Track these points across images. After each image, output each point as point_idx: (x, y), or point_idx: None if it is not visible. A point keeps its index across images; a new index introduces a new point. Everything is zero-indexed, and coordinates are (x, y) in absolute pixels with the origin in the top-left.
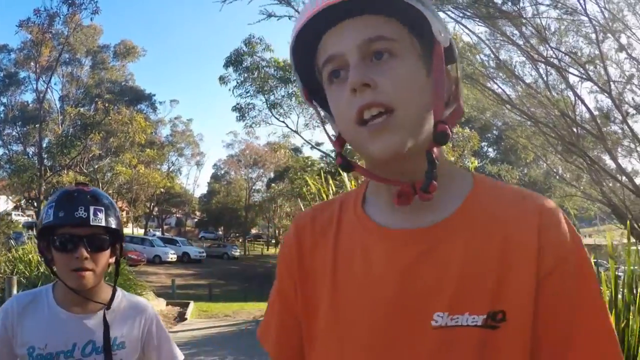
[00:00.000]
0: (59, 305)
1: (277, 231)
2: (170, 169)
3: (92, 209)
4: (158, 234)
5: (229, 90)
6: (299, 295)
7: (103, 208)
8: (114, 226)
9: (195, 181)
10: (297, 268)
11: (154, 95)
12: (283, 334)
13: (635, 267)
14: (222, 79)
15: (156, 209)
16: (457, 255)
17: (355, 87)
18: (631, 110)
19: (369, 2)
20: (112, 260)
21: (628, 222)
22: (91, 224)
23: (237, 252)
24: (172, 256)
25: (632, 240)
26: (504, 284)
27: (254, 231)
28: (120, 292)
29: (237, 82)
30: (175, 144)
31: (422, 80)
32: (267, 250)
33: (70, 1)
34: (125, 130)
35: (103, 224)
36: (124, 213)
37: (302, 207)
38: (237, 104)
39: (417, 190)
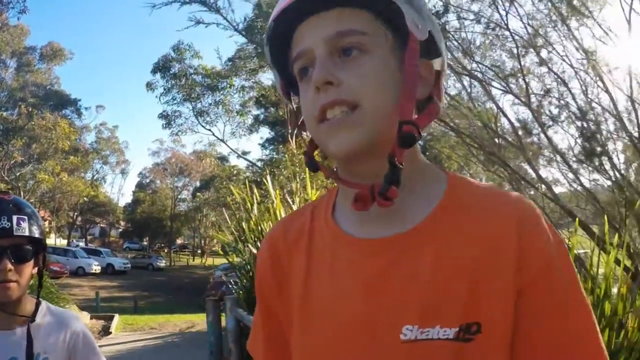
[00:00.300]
0: None
1: (202, 241)
2: (95, 177)
3: (15, 218)
4: (81, 244)
5: (156, 97)
6: (279, 308)
7: (26, 217)
8: (37, 236)
9: (119, 190)
10: (273, 281)
11: (80, 100)
12: (271, 347)
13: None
14: (149, 86)
15: (79, 218)
16: (427, 264)
17: (318, 85)
18: (548, 122)
19: None
20: (35, 271)
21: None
22: (15, 234)
23: (162, 263)
24: (95, 268)
25: None
26: (478, 294)
27: (179, 241)
28: (44, 304)
29: (165, 89)
30: (100, 151)
31: (393, 77)
32: (193, 260)
33: None
34: (49, 136)
35: (27, 233)
36: (47, 223)
37: (227, 216)
38: (164, 111)
39: (375, 195)
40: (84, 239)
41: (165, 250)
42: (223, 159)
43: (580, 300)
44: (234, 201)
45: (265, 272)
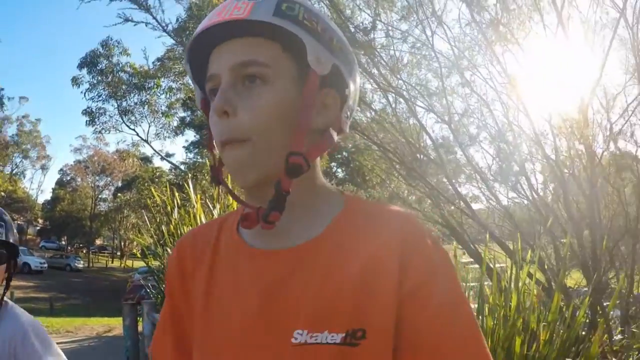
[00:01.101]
0: None
1: (122, 243)
2: (14, 172)
3: None
4: None
5: (81, 92)
6: (185, 312)
7: (3, 224)
8: (11, 241)
9: (39, 186)
10: (179, 289)
11: (2, 89)
12: (180, 350)
13: (474, 284)
14: (75, 80)
15: None
16: (319, 275)
17: (216, 113)
18: (468, 141)
19: (249, 24)
20: (5, 274)
21: None
22: None
23: (80, 264)
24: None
25: (471, 259)
26: (364, 304)
27: (98, 242)
28: (9, 305)
29: (90, 85)
30: (20, 145)
31: (293, 108)
32: (112, 262)
33: None
34: None
35: (3, 238)
36: None
37: (147, 219)
38: (88, 107)
39: (259, 217)
40: None
41: (84, 251)
42: (146, 160)
43: (463, 311)
44: (155, 204)
45: (173, 276)
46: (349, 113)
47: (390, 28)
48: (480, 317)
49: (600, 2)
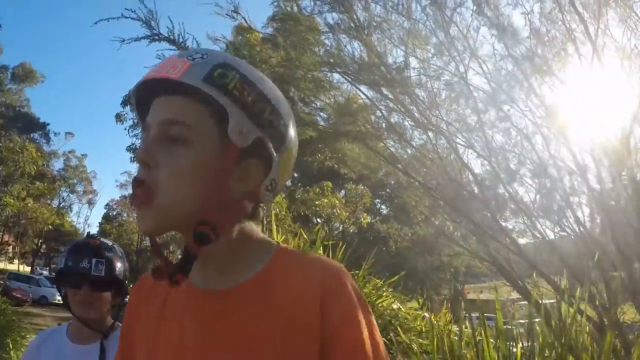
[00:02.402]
0: (68, 337)
1: None
2: (61, 205)
3: (93, 260)
4: (45, 273)
5: (125, 129)
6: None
7: (104, 260)
8: (114, 274)
9: (86, 220)
10: (133, 324)
11: (49, 124)
12: None
13: (523, 321)
14: (119, 117)
15: (44, 246)
16: (246, 319)
17: (138, 162)
18: (510, 176)
19: (183, 86)
20: (113, 300)
21: None
22: (92, 273)
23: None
24: (58, 298)
25: (519, 296)
26: (285, 347)
27: None
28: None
29: (133, 122)
30: (67, 179)
31: (209, 174)
32: None
33: None
34: (16, 159)
35: (102, 274)
36: (10, 248)
37: None
38: (132, 144)
39: (166, 273)
40: (47, 268)
41: (131, 286)
42: None
43: (381, 353)
44: None
45: (130, 314)
46: (271, 184)
47: (424, 65)
48: (531, 356)
49: (633, 30)
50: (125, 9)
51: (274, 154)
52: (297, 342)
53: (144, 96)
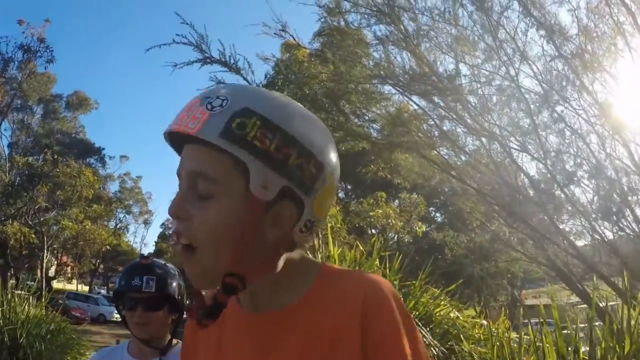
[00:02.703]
0: (129, 353)
1: None
2: (118, 226)
3: (144, 278)
4: (103, 292)
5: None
6: None
7: (155, 277)
8: (167, 292)
9: (142, 240)
10: (192, 344)
11: (104, 149)
12: None
13: (583, 325)
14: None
15: (102, 266)
16: (294, 341)
17: (170, 216)
18: (567, 178)
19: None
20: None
21: None
22: (143, 290)
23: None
24: (116, 316)
25: (579, 299)
26: None
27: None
28: (179, 345)
29: None
30: (123, 201)
31: (240, 226)
32: None
33: (26, 47)
34: (73, 183)
35: (153, 290)
36: (69, 269)
37: None
38: None
39: (195, 316)
40: (105, 287)
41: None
42: None
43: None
44: None
45: (190, 339)
46: (307, 225)
47: (475, 71)
48: None
49: None
50: (177, 34)
51: (304, 199)
52: (344, 352)
53: (175, 143)
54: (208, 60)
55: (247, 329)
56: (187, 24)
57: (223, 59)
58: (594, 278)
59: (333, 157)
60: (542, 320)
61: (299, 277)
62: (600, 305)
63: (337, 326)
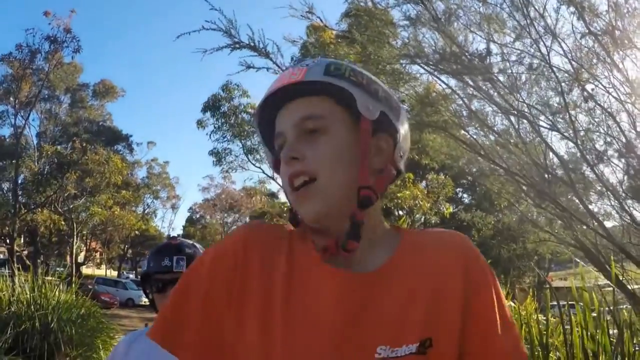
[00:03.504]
0: None
1: None
2: (146, 211)
3: (175, 258)
4: (132, 276)
5: (206, 134)
6: (233, 312)
7: (185, 257)
8: None
9: (170, 224)
10: (239, 281)
11: (131, 136)
12: (205, 341)
13: (610, 308)
14: (200, 123)
15: (130, 251)
16: (395, 296)
17: (286, 160)
18: (596, 157)
19: (305, 86)
20: None
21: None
22: (174, 270)
23: None
24: (145, 300)
25: (607, 282)
26: (434, 316)
27: None
28: None
29: (215, 127)
30: (151, 186)
31: (350, 151)
32: None
33: (52, 38)
34: (102, 170)
35: (184, 270)
36: (98, 254)
37: None
38: (214, 148)
39: (338, 247)
40: (134, 271)
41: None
42: (273, 195)
43: (511, 317)
44: None
45: (233, 270)
46: (402, 154)
47: (505, 50)
48: (618, 344)
49: None
50: (206, 20)
51: (397, 125)
52: (445, 308)
53: (266, 113)
54: (237, 45)
55: (337, 287)
56: (216, 9)
57: (252, 44)
58: (622, 259)
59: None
60: (570, 302)
61: (386, 237)
62: (628, 287)
63: (439, 281)
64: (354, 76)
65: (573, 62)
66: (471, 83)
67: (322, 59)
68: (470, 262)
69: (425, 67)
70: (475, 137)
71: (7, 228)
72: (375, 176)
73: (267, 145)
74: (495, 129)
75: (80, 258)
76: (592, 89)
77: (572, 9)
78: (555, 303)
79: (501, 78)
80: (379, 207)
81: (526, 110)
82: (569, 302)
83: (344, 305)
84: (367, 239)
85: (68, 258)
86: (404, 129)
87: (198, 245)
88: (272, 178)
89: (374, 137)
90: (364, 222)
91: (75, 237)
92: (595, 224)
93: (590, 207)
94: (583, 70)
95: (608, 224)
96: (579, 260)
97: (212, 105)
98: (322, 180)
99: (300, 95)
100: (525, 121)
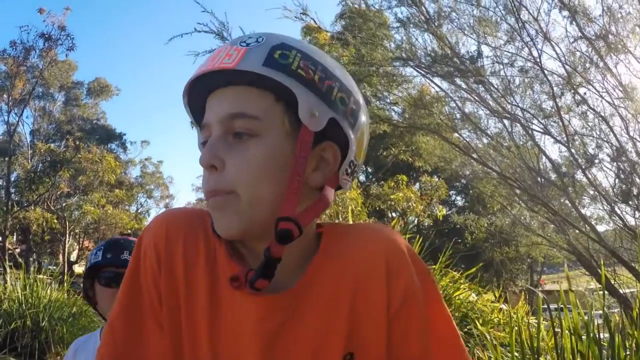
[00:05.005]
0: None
1: None
2: (139, 210)
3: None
4: None
5: None
6: (164, 305)
7: None
8: None
9: None
10: (165, 273)
11: (125, 135)
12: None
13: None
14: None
15: None
16: (314, 313)
17: (203, 167)
18: (588, 161)
19: (240, 72)
20: None
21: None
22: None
23: None
24: None
25: (599, 286)
26: (355, 329)
27: None
28: None
29: None
30: (144, 186)
31: (284, 163)
32: None
33: (46, 36)
34: (95, 169)
35: None
36: (89, 253)
37: None
38: None
39: (247, 281)
40: None
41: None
42: None
43: (442, 314)
44: None
45: (154, 257)
46: (350, 168)
47: (497, 52)
48: (609, 347)
49: None
50: (198, 23)
51: (351, 134)
52: (367, 319)
53: (198, 95)
54: None
55: (254, 311)
56: (207, 12)
57: None
58: (614, 263)
59: (364, 103)
60: (561, 305)
61: (310, 245)
62: (620, 291)
63: (359, 292)
64: (303, 69)
65: (566, 66)
66: (464, 86)
67: (270, 37)
68: (393, 276)
69: (418, 70)
70: (468, 140)
71: None
72: (309, 198)
73: (198, 123)
74: (488, 132)
75: (73, 257)
76: (585, 93)
77: (565, 12)
78: (546, 306)
79: (493, 81)
80: (314, 224)
81: (519, 113)
82: (560, 306)
83: (262, 328)
84: (294, 255)
85: (60, 256)
86: (359, 135)
87: None
88: None
89: (318, 147)
90: (280, 259)
91: (67, 235)
92: (588, 227)
93: (582, 210)
94: (576, 74)
95: (600, 227)
96: (569, 264)
97: None
98: (241, 197)
99: (232, 82)
100: (518, 124)
